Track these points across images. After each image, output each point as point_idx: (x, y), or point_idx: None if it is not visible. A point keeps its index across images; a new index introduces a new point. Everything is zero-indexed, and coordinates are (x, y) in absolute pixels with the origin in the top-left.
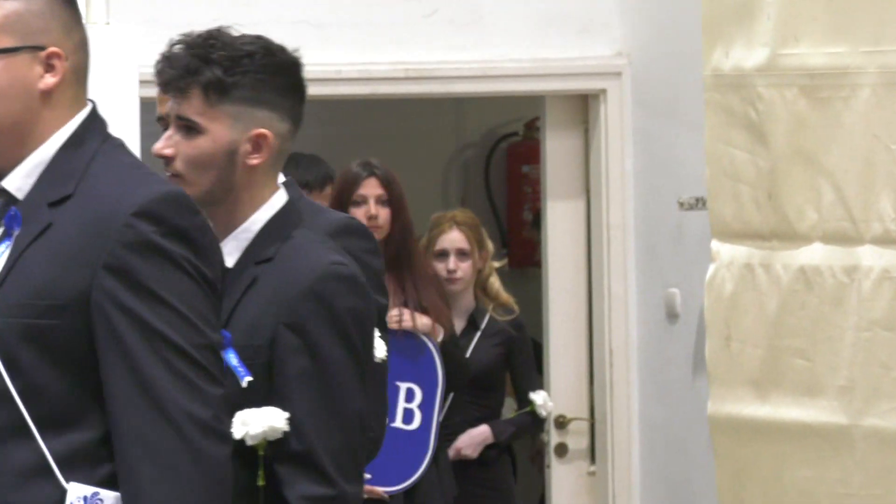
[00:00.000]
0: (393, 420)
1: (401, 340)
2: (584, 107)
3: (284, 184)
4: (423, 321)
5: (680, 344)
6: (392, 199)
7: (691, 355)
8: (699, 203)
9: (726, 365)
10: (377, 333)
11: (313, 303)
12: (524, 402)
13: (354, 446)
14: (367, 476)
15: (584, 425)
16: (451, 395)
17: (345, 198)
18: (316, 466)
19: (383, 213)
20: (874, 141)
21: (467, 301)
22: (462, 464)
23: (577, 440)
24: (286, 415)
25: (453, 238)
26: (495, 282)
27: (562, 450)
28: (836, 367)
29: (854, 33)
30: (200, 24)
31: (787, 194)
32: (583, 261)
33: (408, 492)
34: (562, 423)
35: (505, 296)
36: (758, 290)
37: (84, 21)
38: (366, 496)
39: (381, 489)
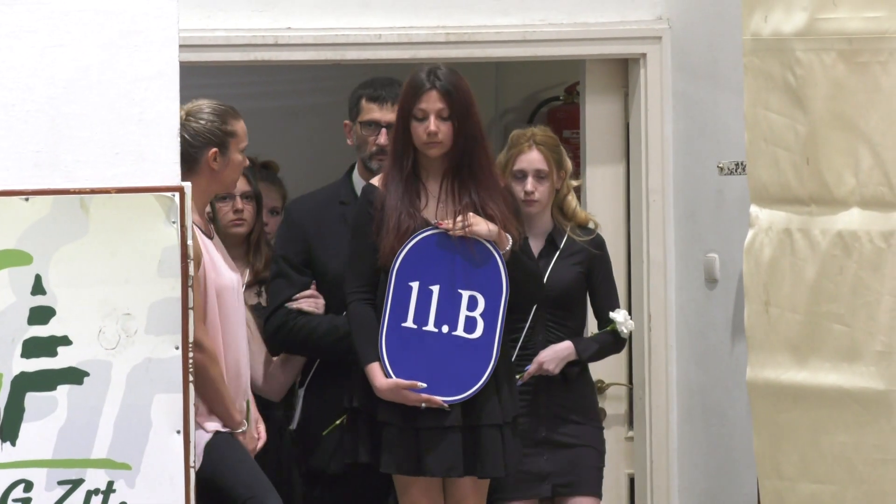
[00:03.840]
0: (454, 328)
1: (464, 247)
2: (624, 71)
3: None
4: (487, 227)
5: (719, 309)
6: (454, 112)
7: (730, 321)
8: (739, 168)
9: (764, 330)
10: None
11: None
12: (604, 320)
13: None
14: (422, 385)
15: (623, 391)
16: (532, 314)
17: (406, 111)
18: None
19: (444, 129)
20: None
21: (545, 222)
22: (545, 380)
23: (615, 405)
24: None
25: (531, 158)
26: (572, 200)
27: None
28: (874, 332)
29: None
30: None
31: (825, 159)
32: (622, 226)
33: (465, 404)
34: (600, 388)
35: (582, 214)
36: (796, 256)
37: None
38: (423, 405)
39: (439, 398)
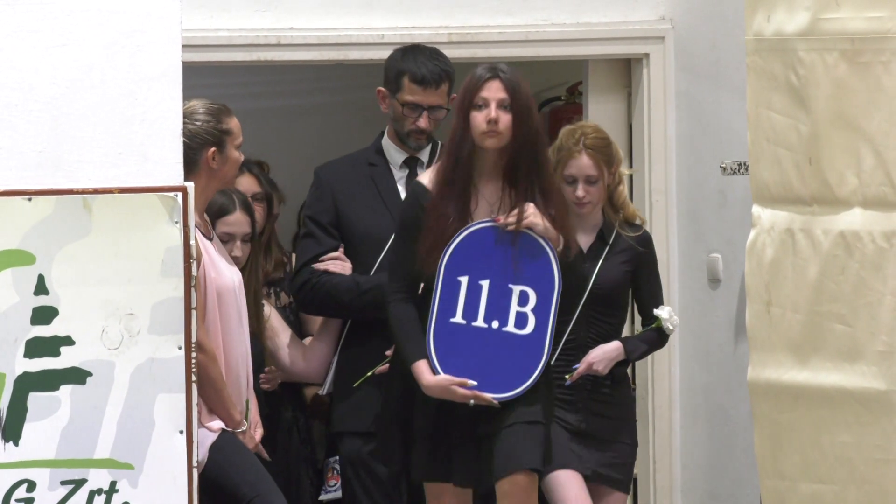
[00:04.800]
0: (505, 324)
1: (517, 242)
2: (626, 71)
3: None
4: (544, 224)
5: (722, 309)
6: (516, 104)
7: (733, 320)
8: (742, 168)
9: (766, 330)
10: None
11: None
12: (648, 317)
13: None
14: (472, 382)
15: None
16: (577, 311)
17: (467, 101)
18: None
19: (504, 119)
20: None
21: (595, 217)
22: (589, 375)
23: None
24: None
25: (581, 164)
26: (623, 191)
27: None
28: (876, 332)
29: None
30: None
31: (827, 159)
32: None
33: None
34: None
35: (631, 207)
36: (798, 256)
37: None
38: (472, 402)
39: (489, 395)
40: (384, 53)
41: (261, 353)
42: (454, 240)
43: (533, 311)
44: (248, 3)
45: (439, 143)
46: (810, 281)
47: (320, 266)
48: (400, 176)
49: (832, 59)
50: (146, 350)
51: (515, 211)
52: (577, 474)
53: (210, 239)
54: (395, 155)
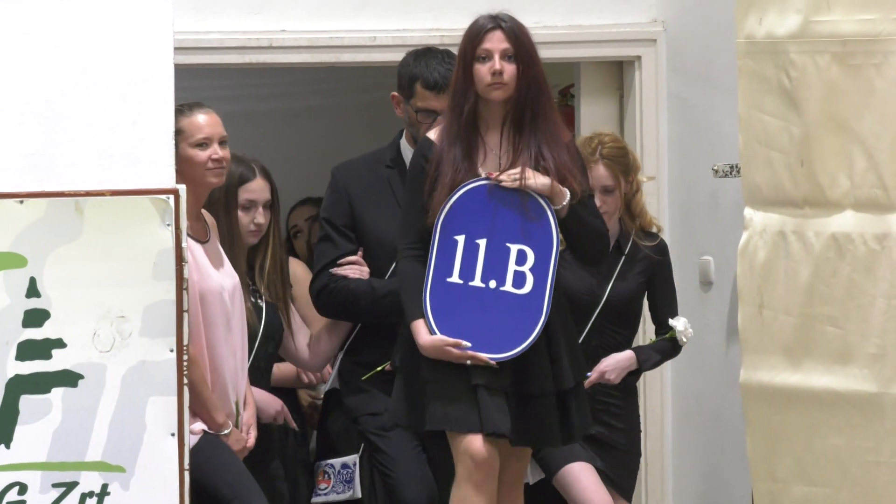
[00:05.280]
0: (502, 283)
1: (513, 199)
2: (618, 73)
3: None
4: (541, 181)
5: (714, 311)
6: (519, 54)
7: (725, 323)
8: (734, 170)
9: (758, 333)
10: None
11: None
12: (662, 326)
13: None
14: (467, 343)
15: None
16: (591, 321)
17: (469, 53)
18: None
19: (509, 69)
20: None
21: (612, 227)
22: (599, 384)
23: None
24: None
25: (598, 175)
26: (641, 199)
27: None
28: (867, 334)
29: (886, 0)
30: None
31: (819, 161)
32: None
33: (517, 373)
34: None
35: (649, 215)
36: (790, 258)
37: None
38: (468, 362)
39: (485, 356)
40: (376, 56)
41: (281, 324)
42: (450, 199)
43: (531, 270)
44: (240, 6)
45: None
46: (802, 283)
47: (338, 271)
48: None
49: (824, 62)
50: (138, 353)
51: (512, 171)
52: (590, 465)
53: (204, 242)
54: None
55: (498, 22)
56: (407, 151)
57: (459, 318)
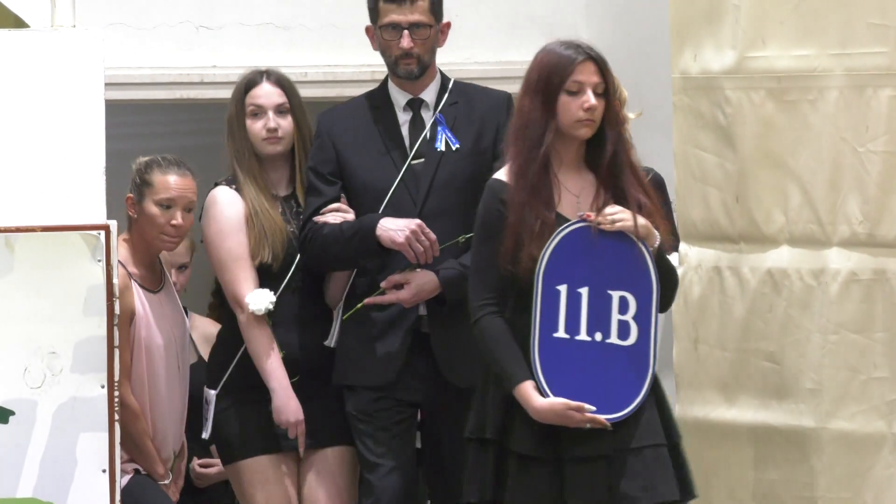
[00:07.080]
0: (607, 335)
1: (608, 242)
2: None
3: None
4: (641, 221)
5: None
6: (608, 88)
7: (660, 358)
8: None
9: (693, 368)
10: None
11: None
12: None
13: None
14: (591, 407)
15: None
16: None
17: (555, 83)
18: None
19: (599, 107)
20: (841, 143)
21: None
22: None
23: None
24: None
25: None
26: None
27: None
28: (804, 369)
29: (821, 36)
30: (166, 26)
31: (754, 197)
32: None
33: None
34: None
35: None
36: (725, 293)
37: (49, 25)
38: (588, 425)
39: (602, 417)
40: (308, 91)
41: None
42: (548, 245)
43: (634, 318)
44: (172, 41)
45: (451, 80)
46: (738, 318)
47: (320, 219)
48: (404, 119)
49: (759, 98)
50: (69, 389)
51: (607, 210)
52: None
53: (155, 291)
54: (398, 96)
55: (589, 53)
56: (394, 91)
57: (569, 377)
